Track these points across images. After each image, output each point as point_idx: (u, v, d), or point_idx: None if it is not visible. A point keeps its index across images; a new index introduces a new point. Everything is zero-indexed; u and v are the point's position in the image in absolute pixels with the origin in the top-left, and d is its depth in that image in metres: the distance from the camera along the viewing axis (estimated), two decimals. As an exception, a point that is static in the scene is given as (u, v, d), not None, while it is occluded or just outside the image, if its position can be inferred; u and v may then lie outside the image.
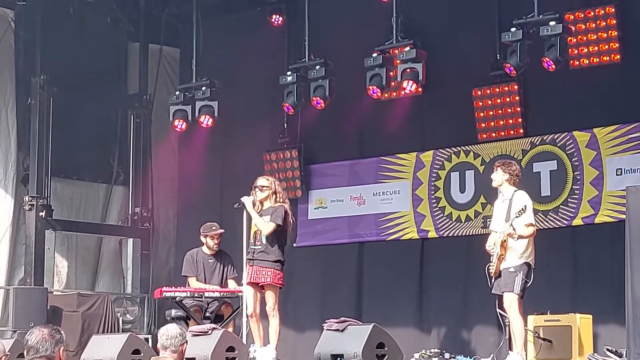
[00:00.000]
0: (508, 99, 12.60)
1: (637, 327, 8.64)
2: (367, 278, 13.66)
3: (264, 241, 10.32)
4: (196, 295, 11.63)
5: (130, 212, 15.34)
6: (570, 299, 11.64)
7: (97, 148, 15.06)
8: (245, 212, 10.49)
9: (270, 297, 10.30)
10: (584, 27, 11.88)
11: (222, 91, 13.72)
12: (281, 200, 10.43)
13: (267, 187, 10.41)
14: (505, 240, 9.68)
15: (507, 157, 12.38)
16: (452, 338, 12.60)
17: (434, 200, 13.26)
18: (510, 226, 9.60)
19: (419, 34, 12.46)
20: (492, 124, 12.76)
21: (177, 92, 13.93)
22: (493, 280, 9.83)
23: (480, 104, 12.78)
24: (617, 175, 11.79)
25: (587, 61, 11.92)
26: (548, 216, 12.14)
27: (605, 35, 11.77)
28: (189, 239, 13.36)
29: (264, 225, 10.28)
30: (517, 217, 9.59)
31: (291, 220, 10.52)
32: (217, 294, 11.64)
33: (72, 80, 14.51)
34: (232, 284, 11.73)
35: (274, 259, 10.30)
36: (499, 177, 9.90)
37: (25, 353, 5.24)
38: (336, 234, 14.02)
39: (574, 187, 12.12)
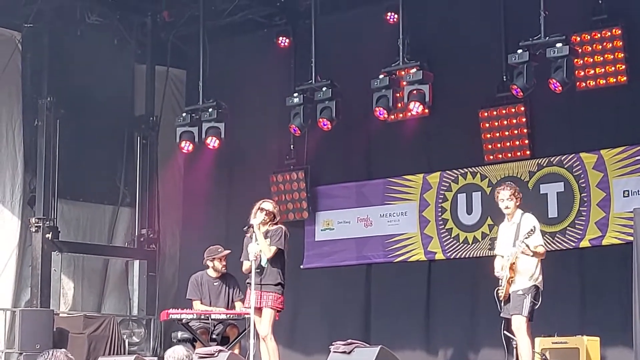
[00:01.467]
0: (515, 121, 12.60)
1: (646, 349, 8.60)
2: (375, 300, 13.62)
3: (264, 264, 10.38)
4: (202, 317, 11.60)
5: (136, 233, 15.33)
6: (577, 321, 11.59)
7: (103, 170, 15.07)
8: (253, 234, 10.50)
9: (266, 319, 10.34)
10: (590, 48, 11.89)
11: (229, 113, 13.71)
12: (278, 222, 10.57)
13: (269, 211, 10.49)
14: (514, 263, 9.65)
15: (514, 179, 12.38)
16: (459, 360, 12.57)
17: (441, 222, 13.24)
18: (523, 243, 9.57)
19: (426, 55, 12.47)
20: (499, 145, 12.75)
21: (184, 114, 13.93)
22: (502, 304, 9.79)
23: (487, 125, 12.77)
24: (624, 196, 11.77)
25: (594, 83, 11.92)
26: (555, 238, 12.10)
27: (612, 56, 11.77)
28: (193, 261, 13.32)
29: (268, 250, 10.35)
30: (526, 237, 9.57)
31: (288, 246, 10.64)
32: (223, 316, 11.61)
33: (79, 102, 14.54)
34: (238, 306, 11.71)
35: (276, 282, 10.39)
36: (512, 204, 9.88)
37: None
38: (343, 256, 13.99)
39: (581, 208, 12.10)
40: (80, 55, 14.41)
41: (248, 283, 10.54)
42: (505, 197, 9.89)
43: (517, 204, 9.89)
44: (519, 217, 9.83)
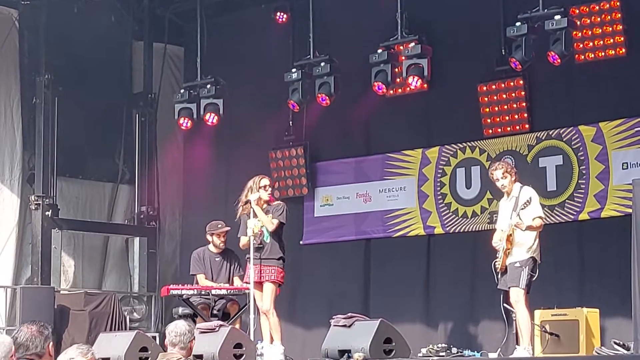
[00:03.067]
0: (513, 94, 12.58)
1: (645, 320, 8.62)
2: (374, 274, 13.65)
3: (266, 240, 10.44)
4: (203, 292, 11.64)
5: (136, 210, 15.35)
6: (577, 293, 11.64)
7: (102, 147, 15.07)
8: (251, 210, 10.54)
9: (268, 294, 10.41)
10: (589, 21, 11.87)
11: (227, 89, 13.71)
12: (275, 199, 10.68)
13: (270, 186, 10.57)
14: (511, 235, 9.67)
15: (513, 153, 12.39)
16: (458, 333, 12.60)
17: (440, 197, 13.25)
18: (517, 216, 9.59)
19: (424, 29, 12.45)
20: (498, 119, 12.75)
21: (182, 90, 13.93)
22: (499, 276, 9.82)
23: (486, 99, 12.76)
24: (623, 169, 11.78)
25: (593, 55, 11.90)
26: (554, 211, 12.12)
27: (611, 29, 11.75)
28: (194, 237, 13.37)
29: (270, 222, 10.40)
30: (522, 208, 9.59)
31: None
32: (224, 292, 11.65)
33: (77, 79, 14.53)
34: (237, 282, 11.75)
35: (278, 256, 10.46)
36: (506, 181, 9.88)
37: (13, 351, 5.16)
38: (342, 231, 14.01)
39: (579, 181, 12.11)
40: (77, 33, 14.37)
41: (248, 258, 10.59)
42: (499, 177, 9.90)
43: (513, 179, 9.88)
44: (517, 191, 9.84)
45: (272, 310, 10.46)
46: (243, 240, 10.64)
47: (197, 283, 11.87)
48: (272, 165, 14.26)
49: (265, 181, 10.67)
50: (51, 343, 5.16)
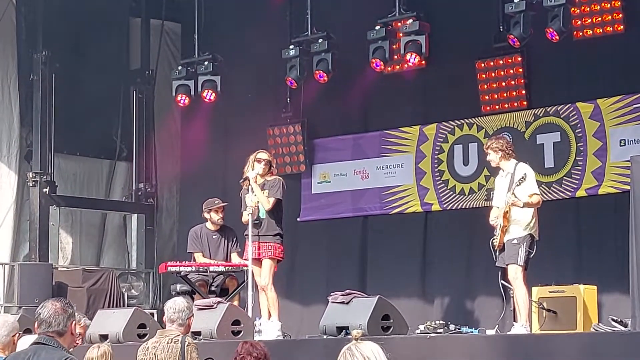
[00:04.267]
0: (511, 71, 12.57)
1: (642, 296, 8.64)
2: (371, 251, 13.68)
3: (262, 216, 10.44)
4: (201, 269, 11.65)
5: (134, 187, 15.36)
6: (574, 270, 11.66)
7: (99, 124, 15.05)
8: (249, 186, 10.54)
9: (266, 270, 10.43)
10: (587, -3, 11.84)
11: (225, 66, 13.69)
12: (275, 173, 10.60)
13: (267, 160, 10.53)
14: (507, 212, 9.66)
15: (510, 130, 12.39)
16: (456, 310, 12.63)
17: (438, 173, 13.26)
18: (512, 194, 9.58)
19: (422, 6, 12.41)
20: (496, 96, 12.74)
21: (180, 67, 13.91)
22: (497, 254, 9.82)
23: (484, 76, 12.74)
24: (620, 145, 11.79)
25: (591, 32, 11.87)
26: (552, 188, 12.13)
27: (609, 5, 11.72)
28: (192, 215, 13.38)
29: (266, 201, 10.40)
30: (517, 185, 9.57)
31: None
32: (222, 268, 11.66)
33: (74, 56, 14.51)
34: (235, 258, 11.75)
35: (275, 232, 10.46)
36: (493, 156, 9.86)
37: (35, 326, 5.15)
38: (340, 208, 14.02)
39: (577, 158, 12.11)
40: (74, 9, 14.31)
41: (246, 235, 10.61)
42: (489, 158, 9.88)
43: (500, 155, 9.77)
44: (512, 167, 9.82)
45: (270, 286, 10.49)
46: (245, 216, 10.67)
47: (194, 261, 11.87)
48: (270, 142, 14.25)
49: (261, 155, 10.63)
50: (74, 322, 5.13)
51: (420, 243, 13.30)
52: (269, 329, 10.50)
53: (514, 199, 9.57)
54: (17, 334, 6.68)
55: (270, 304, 10.51)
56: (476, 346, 9.20)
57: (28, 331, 7.98)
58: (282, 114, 14.43)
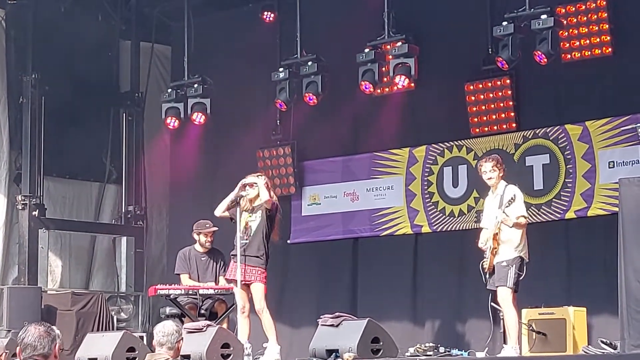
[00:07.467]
0: (500, 93, 12.61)
1: (631, 319, 8.65)
2: (362, 273, 13.66)
3: (252, 235, 10.41)
4: (190, 292, 11.63)
5: (123, 210, 15.33)
6: (564, 292, 11.66)
7: (89, 146, 15.03)
8: (238, 209, 10.51)
9: (259, 294, 10.40)
10: (575, 20, 11.89)
11: (215, 88, 13.71)
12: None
13: (255, 183, 10.47)
14: (497, 233, 9.68)
15: (500, 152, 12.41)
16: (446, 332, 12.61)
17: (427, 195, 13.27)
18: (503, 213, 9.60)
19: (411, 29, 12.47)
20: (485, 118, 12.77)
21: (169, 90, 13.92)
22: (487, 277, 9.82)
23: (473, 98, 12.78)
24: (609, 167, 11.81)
25: (579, 54, 11.93)
26: (541, 210, 12.15)
27: (597, 28, 11.78)
28: (181, 237, 13.35)
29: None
30: (507, 207, 9.60)
31: (279, 217, 10.63)
32: (211, 291, 11.64)
33: (64, 78, 14.51)
34: (223, 281, 11.73)
35: (260, 253, 10.43)
36: (494, 174, 9.88)
37: (18, 351, 5.16)
38: (330, 230, 14.02)
39: (566, 180, 12.14)
40: (64, 32, 14.36)
41: (232, 255, 10.55)
42: (487, 169, 9.92)
43: (501, 174, 9.90)
44: (502, 189, 9.85)
45: (264, 309, 10.42)
46: (218, 212, 10.58)
47: (180, 283, 11.85)
48: (260, 165, 14.25)
49: (247, 179, 10.56)
50: (57, 344, 5.17)
51: (410, 265, 13.30)
52: (267, 352, 10.46)
53: (504, 216, 9.59)
54: (5, 354, 6.67)
55: (267, 326, 10.44)
56: (466, 369, 9.18)
57: (15, 356, 7.94)
58: (272, 136, 14.45)
